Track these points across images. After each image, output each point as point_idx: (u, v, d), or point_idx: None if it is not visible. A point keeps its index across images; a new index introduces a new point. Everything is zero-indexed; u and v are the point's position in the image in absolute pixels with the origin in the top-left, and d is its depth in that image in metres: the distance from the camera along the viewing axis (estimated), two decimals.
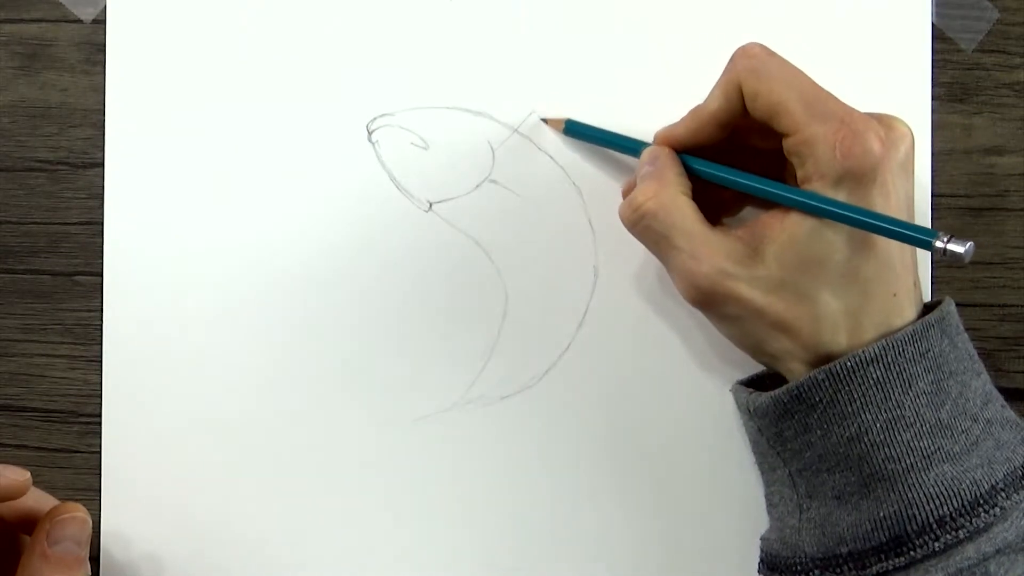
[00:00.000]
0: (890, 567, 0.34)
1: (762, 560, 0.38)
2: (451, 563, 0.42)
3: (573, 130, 0.41)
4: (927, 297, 0.42)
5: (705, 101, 0.37)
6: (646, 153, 0.38)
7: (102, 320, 0.42)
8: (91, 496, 0.42)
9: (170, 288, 0.42)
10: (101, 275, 0.42)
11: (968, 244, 0.32)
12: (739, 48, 0.36)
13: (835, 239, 0.34)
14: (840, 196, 0.34)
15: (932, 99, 0.42)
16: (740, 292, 0.35)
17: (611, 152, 0.41)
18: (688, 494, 0.42)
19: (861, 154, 0.34)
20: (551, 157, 0.42)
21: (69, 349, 0.43)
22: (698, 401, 0.42)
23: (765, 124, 0.36)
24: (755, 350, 0.37)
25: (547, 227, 0.42)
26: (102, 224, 0.42)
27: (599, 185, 0.42)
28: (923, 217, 0.42)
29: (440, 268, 0.42)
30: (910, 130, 0.36)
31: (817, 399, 0.35)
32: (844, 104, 0.35)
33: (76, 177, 0.43)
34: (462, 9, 0.42)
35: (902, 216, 0.35)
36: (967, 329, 0.42)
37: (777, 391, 0.36)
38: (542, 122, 0.41)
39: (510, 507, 0.42)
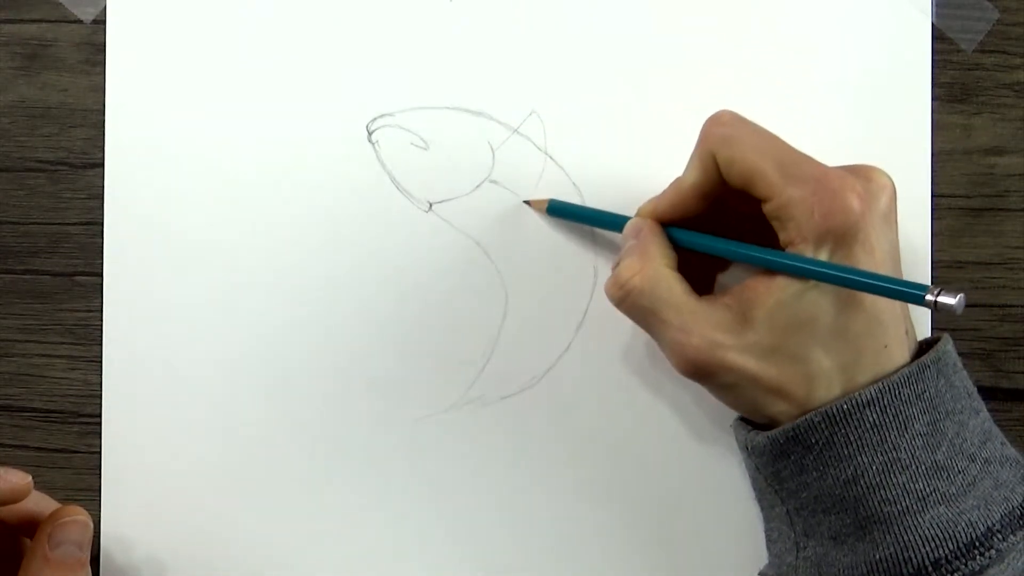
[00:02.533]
0: None
1: None
2: (451, 563, 0.42)
3: (555, 209, 0.41)
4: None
5: (683, 174, 0.37)
6: (629, 226, 0.38)
7: (102, 320, 0.42)
8: (91, 496, 0.42)
9: (170, 288, 0.42)
10: (101, 275, 0.42)
11: (959, 296, 0.32)
12: (709, 118, 0.36)
13: (822, 299, 0.34)
14: (823, 256, 0.34)
15: (932, 99, 0.42)
16: (732, 361, 0.35)
17: (612, 153, 0.41)
18: (689, 492, 0.42)
19: (840, 212, 0.33)
20: (551, 157, 0.42)
21: (69, 349, 0.43)
22: (698, 401, 0.42)
23: (743, 191, 0.35)
24: (753, 413, 0.37)
25: (547, 227, 0.42)
26: (102, 224, 0.42)
27: (599, 186, 0.42)
28: (923, 218, 0.42)
29: (440, 268, 0.42)
30: (890, 180, 0.36)
31: (813, 441, 0.35)
32: (819, 164, 0.35)
33: (76, 177, 0.43)
34: (462, 9, 0.42)
35: (888, 269, 0.35)
36: (967, 330, 0.42)
37: (774, 432, 0.35)
38: (525, 204, 0.41)
39: (510, 507, 0.42)
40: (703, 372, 0.36)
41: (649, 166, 0.41)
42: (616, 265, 0.38)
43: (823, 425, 0.34)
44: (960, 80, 0.42)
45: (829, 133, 0.42)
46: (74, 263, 0.43)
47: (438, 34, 0.42)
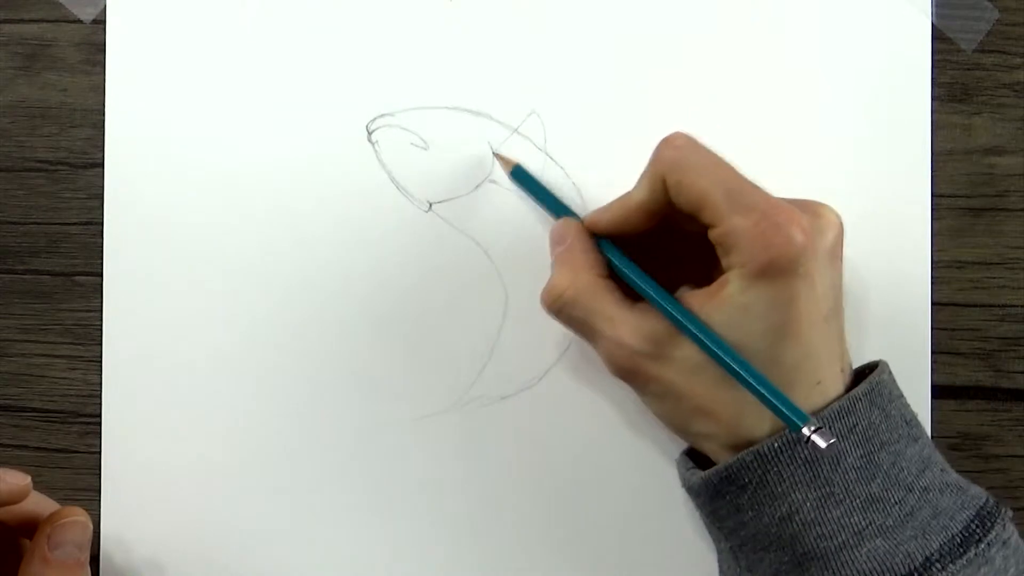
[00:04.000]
0: None
1: None
2: (451, 563, 0.42)
3: (518, 175, 0.41)
4: (927, 298, 0.42)
5: (632, 191, 0.37)
6: (555, 231, 0.39)
7: (102, 320, 0.42)
8: (91, 496, 0.42)
9: (170, 288, 0.42)
10: (101, 275, 0.42)
11: (831, 441, 0.32)
12: (663, 140, 0.36)
13: (753, 329, 0.34)
14: (762, 288, 0.33)
15: (932, 99, 0.42)
16: (660, 373, 0.35)
17: (612, 153, 0.41)
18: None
19: (783, 244, 0.33)
20: (551, 157, 0.42)
21: (69, 349, 0.43)
22: None
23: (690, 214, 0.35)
24: (680, 430, 0.37)
25: (547, 227, 0.42)
26: (102, 224, 0.42)
27: (599, 185, 0.42)
28: (923, 218, 0.42)
29: (440, 268, 0.42)
30: (838, 217, 0.36)
31: (747, 480, 0.34)
32: (767, 195, 0.34)
33: (76, 177, 0.43)
34: (462, 9, 0.42)
35: (827, 306, 0.34)
36: (967, 330, 0.42)
37: (708, 472, 0.35)
38: (495, 155, 0.41)
39: (510, 507, 0.42)
40: (633, 380, 0.36)
41: None
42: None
43: (755, 464, 0.34)
44: (960, 80, 0.42)
45: (829, 133, 0.42)
46: (74, 263, 0.43)
47: (438, 34, 0.42)
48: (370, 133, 0.42)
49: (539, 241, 0.42)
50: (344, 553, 0.42)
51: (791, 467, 0.34)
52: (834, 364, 0.35)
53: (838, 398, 0.35)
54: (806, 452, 0.34)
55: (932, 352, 0.42)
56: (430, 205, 0.42)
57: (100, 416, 0.42)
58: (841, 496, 0.34)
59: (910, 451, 0.35)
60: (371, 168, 0.42)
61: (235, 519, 0.42)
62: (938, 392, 0.42)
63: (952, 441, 0.42)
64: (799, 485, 0.34)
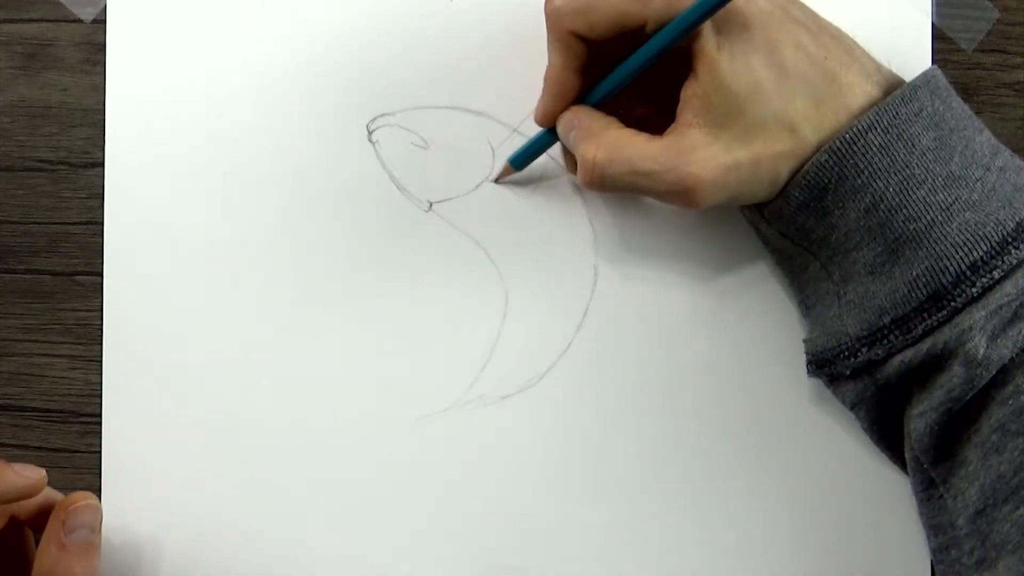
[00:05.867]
0: (934, 323, 0.34)
1: (809, 361, 0.39)
2: (451, 562, 0.42)
3: (517, 160, 0.41)
4: None
5: (549, 63, 0.38)
6: (562, 125, 0.38)
7: (102, 320, 0.42)
8: None
9: (170, 288, 0.42)
10: (101, 275, 0.42)
11: None
12: (547, 4, 0.37)
13: (747, 63, 0.35)
14: (727, 36, 0.35)
15: None
16: (724, 161, 0.35)
17: None
18: (689, 492, 0.42)
19: None
20: (551, 157, 0.42)
21: (69, 349, 0.43)
22: (698, 401, 0.42)
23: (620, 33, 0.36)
24: (771, 185, 0.37)
25: (547, 227, 0.42)
26: (102, 224, 0.42)
27: None
28: None
29: (440, 268, 0.42)
30: None
31: (827, 181, 0.35)
32: None
33: (76, 177, 0.43)
34: (462, 9, 0.42)
35: (800, 27, 0.36)
36: None
37: (786, 189, 0.36)
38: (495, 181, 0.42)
39: (510, 507, 0.42)
40: (717, 187, 0.36)
41: None
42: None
43: (831, 162, 0.35)
44: (960, 80, 0.42)
45: None
46: (74, 263, 0.43)
47: (438, 34, 0.42)
48: (370, 133, 0.42)
49: (539, 241, 0.42)
50: (344, 552, 0.42)
51: (866, 156, 0.35)
52: (870, 65, 0.36)
53: (895, 88, 0.36)
54: (878, 139, 0.35)
55: None
56: (430, 205, 0.42)
57: (100, 416, 0.42)
58: (922, 177, 0.35)
59: (979, 138, 0.36)
60: (371, 168, 0.42)
61: (235, 519, 0.42)
62: None
63: None
64: (878, 173, 0.35)
